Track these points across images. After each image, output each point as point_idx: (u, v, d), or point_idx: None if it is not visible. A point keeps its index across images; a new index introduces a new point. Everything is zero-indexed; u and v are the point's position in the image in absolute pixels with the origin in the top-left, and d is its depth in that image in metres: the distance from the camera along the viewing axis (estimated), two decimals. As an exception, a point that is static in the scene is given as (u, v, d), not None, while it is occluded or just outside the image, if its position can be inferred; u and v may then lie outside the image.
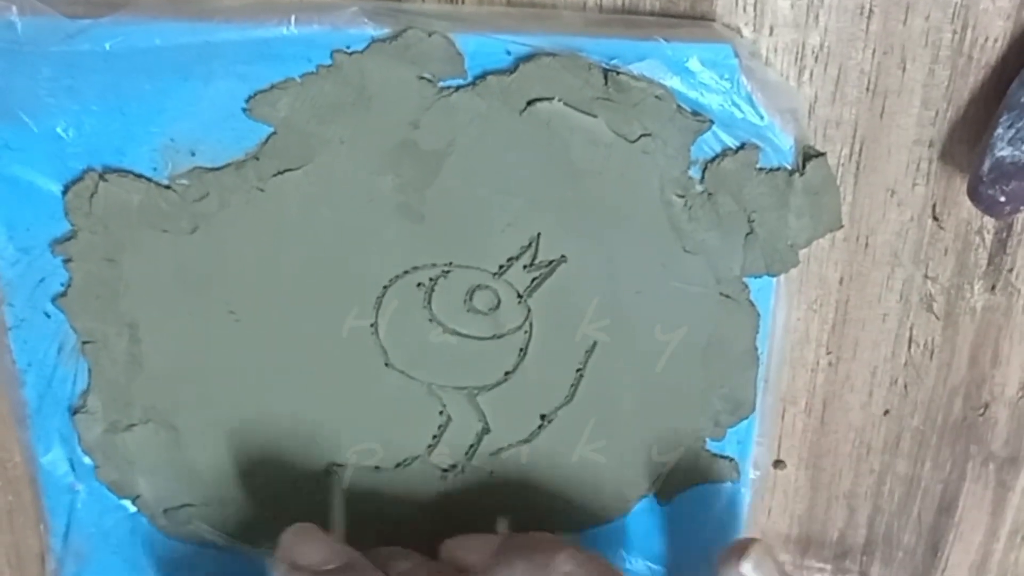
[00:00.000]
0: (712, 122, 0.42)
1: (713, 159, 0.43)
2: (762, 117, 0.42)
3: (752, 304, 0.46)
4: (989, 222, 0.47)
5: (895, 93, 0.44)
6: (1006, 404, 0.51)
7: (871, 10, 0.43)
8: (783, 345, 0.48)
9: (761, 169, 0.43)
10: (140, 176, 0.43)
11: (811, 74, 0.44)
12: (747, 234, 0.45)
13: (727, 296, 0.46)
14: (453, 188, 0.43)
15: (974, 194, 0.43)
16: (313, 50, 0.41)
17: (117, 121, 0.42)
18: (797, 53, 0.43)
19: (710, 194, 0.44)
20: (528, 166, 0.43)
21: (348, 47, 0.41)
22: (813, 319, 0.49)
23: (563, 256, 0.45)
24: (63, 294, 0.45)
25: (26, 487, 0.51)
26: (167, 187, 0.43)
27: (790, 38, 0.43)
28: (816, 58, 0.44)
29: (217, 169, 0.43)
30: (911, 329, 0.49)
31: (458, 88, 0.42)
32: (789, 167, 0.43)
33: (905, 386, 0.51)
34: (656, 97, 0.42)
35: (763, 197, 0.44)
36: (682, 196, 0.44)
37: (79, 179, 0.43)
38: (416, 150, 0.43)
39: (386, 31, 0.41)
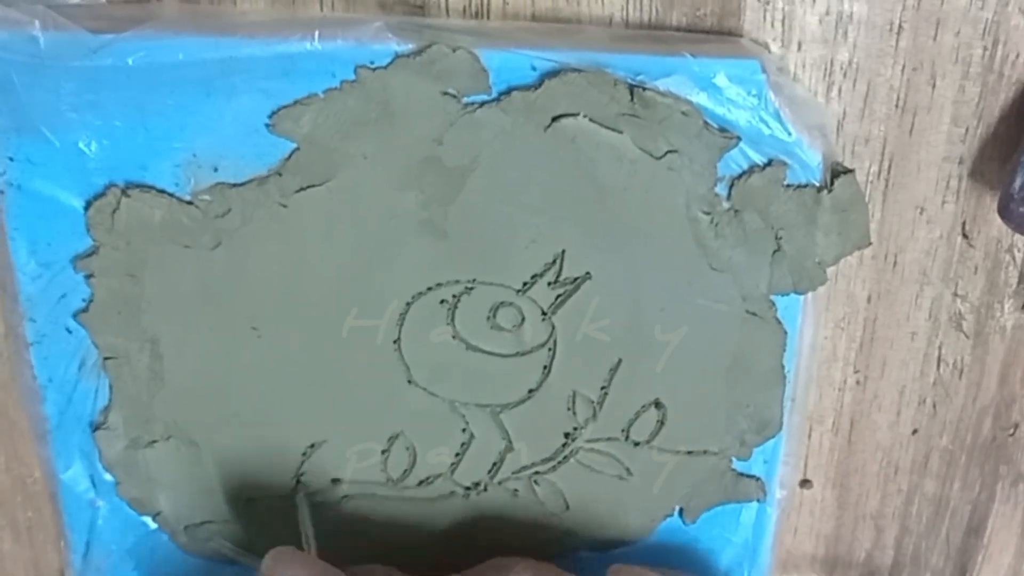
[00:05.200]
0: (739, 138, 0.42)
1: (740, 176, 0.43)
2: (790, 133, 0.42)
3: (779, 322, 0.46)
4: (1020, 240, 0.46)
5: (925, 110, 0.44)
6: (1036, 424, 0.50)
7: (900, 26, 0.42)
8: (810, 363, 0.47)
9: (789, 186, 0.43)
10: (162, 192, 0.43)
11: (840, 90, 0.44)
12: (774, 251, 0.44)
13: (753, 314, 0.46)
14: (477, 204, 0.43)
15: (1005, 212, 0.43)
16: (337, 65, 0.41)
17: (139, 136, 0.42)
18: (826, 69, 0.43)
19: (737, 211, 0.43)
20: (553, 182, 0.43)
21: (372, 63, 0.41)
22: (841, 337, 0.49)
23: (588, 273, 0.45)
24: (85, 310, 0.45)
25: (46, 503, 0.51)
26: (189, 203, 0.43)
27: (818, 54, 0.43)
28: (845, 74, 0.43)
29: (240, 185, 0.43)
30: (940, 348, 0.49)
31: (483, 104, 0.42)
32: (817, 184, 0.43)
33: (934, 405, 0.50)
34: (683, 113, 0.41)
35: (790, 214, 0.43)
36: (708, 213, 0.43)
37: (101, 194, 0.43)
38: (440, 166, 0.42)
39: (410, 47, 0.41)
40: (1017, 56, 0.43)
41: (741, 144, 0.42)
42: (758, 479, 0.50)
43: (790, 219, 0.44)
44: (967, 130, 0.44)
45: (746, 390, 0.47)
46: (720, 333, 0.46)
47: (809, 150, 0.42)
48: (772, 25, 0.42)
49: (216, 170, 0.43)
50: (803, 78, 0.43)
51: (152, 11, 0.41)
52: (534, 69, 0.41)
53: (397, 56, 0.41)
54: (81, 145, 0.42)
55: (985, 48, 0.43)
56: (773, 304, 0.45)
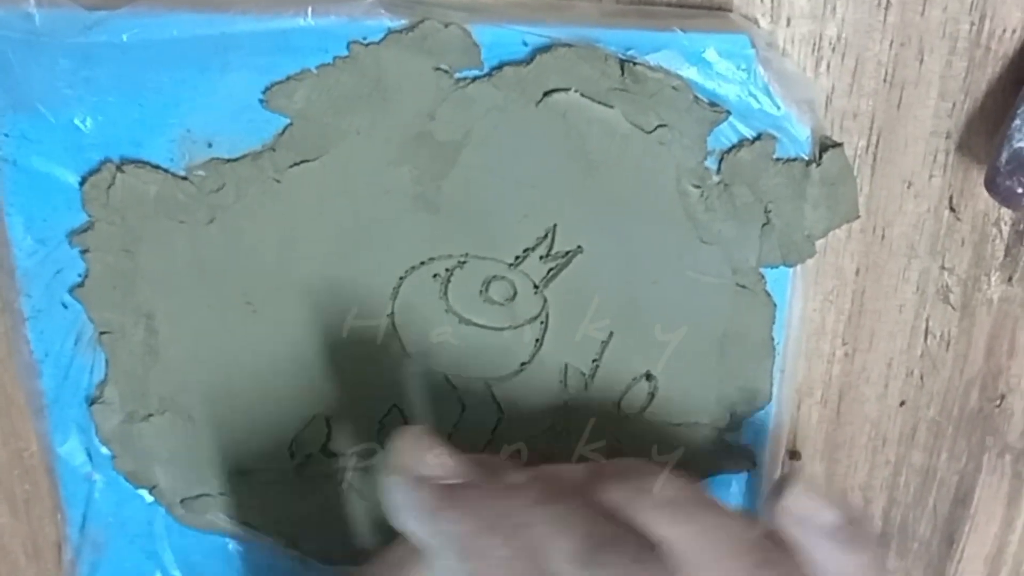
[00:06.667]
0: (729, 113, 0.42)
1: (730, 150, 0.43)
2: (779, 107, 0.42)
3: (768, 295, 0.46)
4: (1006, 213, 0.47)
5: (912, 84, 0.44)
6: (1022, 395, 0.51)
7: (888, 1, 0.42)
8: (799, 335, 0.48)
9: (778, 160, 0.43)
10: (157, 167, 0.43)
11: (828, 65, 0.44)
12: (763, 224, 0.45)
13: (743, 287, 0.46)
14: (469, 179, 0.44)
15: (991, 185, 0.43)
16: (330, 41, 0.41)
17: (134, 112, 0.42)
18: (814, 44, 0.43)
19: (726, 185, 0.44)
20: (544, 157, 0.43)
21: (365, 38, 0.41)
22: (829, 310, 0.49)
23: (579, 247, 0.45)
24: (80, 285, 0.45)
25: (43, 476, 0.51)
26: (184, 178, 0.43)
27: (807, 29, 0.43)
28: (833, 49, 0.44)
29: (234, 160, 0.43)
30: (927, 320, 0.49)
31: (474, 79, 0.42)
32: (806, 158, 0.43)
33: (921, 377, 0.51)
34: (673, 88, 0.42)
35: (780, 188, 0.44)
36: (698, 187, 0.44)
37: (96, 170, 0.43)
38: (432, 141, 0.43)
39: (403, 22, 0.41)
40: (1004, 31, 0.43)
41: (731, 118, 0.42)
42: (748, 449, 0.50)
43: (779, 193, 0.44)
44: (954, 104, 0.45)
45: (736, 362, 0.48)
46: (710, 306, 0.46)
47: (798, 124, 0.43)
48: (761, 0, 0.43)
49: (210, 145, 0.43)
50: (792, 53, 0.44)
51: None
52: (526, 44, 0.41)
53: (390, 32, 0.41)
54: (76, 121, 0.42)
55: (972, 23, 0.43)
56: (762, 277, 0.46)
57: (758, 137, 0.43)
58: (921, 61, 0.44)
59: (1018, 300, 0.48)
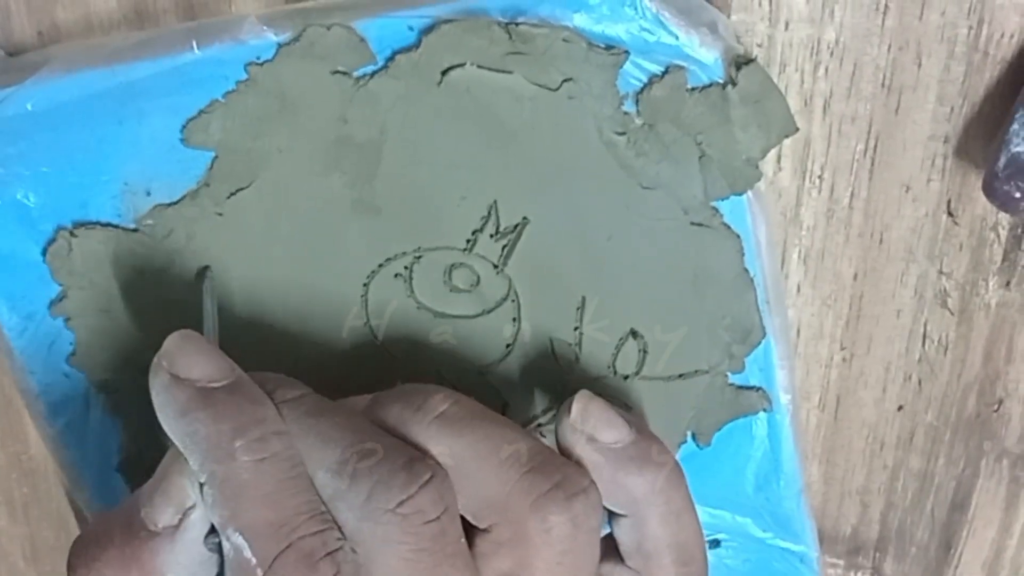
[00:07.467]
0: (627, 52, 0.41)
1: (642, 90, 0.42)
2: (676, 36, 0.41)
3: (728, 227, 0.45)
4: (1004, 218, 0.47)
5: (910, 89, 0.44)
6: (1020, 400, 0.51)
7: (887, 5, 0.43)
8: (773, 262, 0.47)
9: (693, 89, 0.42)
10: (108, 225, 0.43)
11: (826, 69, 0.44)
12: (700, 157, 0.43)
13: (700, 224, 0.45)
14: (398, 174, 0.43)
15: (989, 190, 0.43)
16: (227, 68, 0.41)
17: (71, 176, 0.42)
18: (812, 48, 0.43)
19: (650, 126, 0.43)
20: (463, 136, 0.43)
21: (259, 58, 0.41)
22: (827, 315, 0.49)
23: (525, 218, 0.44)
24: (73, 353, 0.46)
25: (42, 479, 0.51)
26: (135, 231, 0.44)
27: (805, 33, 0.43)
28: (831, 53, 0.44)
29: (175, 203, 0.43)
30: (925, 325, 0.49)
31: (373, 74, 0.42)
32: (720, 81, 0.42)
33: (919, 382, 0.51)
34: (564, 40, 0.41)
35: (703, 117, 0.43)
36: (622, 133, 0.43)
37: (53, 240, 0.43)
38: (352, 144, 0.43)
39: (288, 35, 0.41)
40: (1002, 35, 0.43)
41: (632, 57, 0.42)
42: (759, 389, 0.49)
43: (704, 122, 0.43)
44: (952, 109, 0.45)
45: (718, 301, 0.47)
46: (673, 250, 0.45)
47: (701, 49, 0.42)
48: (759, 4, 0.43)
49: (149, 194, 0.43)
50: (790, 57, 0.44)
51: (50, 54, 0.42)
52: (411, 29, 0.41)
53: (280, 47, 0.41)
54: (19, 197, 0.43)
55: (970, 27, 0.43)
56: (717, 211, 0.45)
57: (666, 71, 0.42)
58: (919, 65, 0.44)
59: (1016, 305, 0.48)
